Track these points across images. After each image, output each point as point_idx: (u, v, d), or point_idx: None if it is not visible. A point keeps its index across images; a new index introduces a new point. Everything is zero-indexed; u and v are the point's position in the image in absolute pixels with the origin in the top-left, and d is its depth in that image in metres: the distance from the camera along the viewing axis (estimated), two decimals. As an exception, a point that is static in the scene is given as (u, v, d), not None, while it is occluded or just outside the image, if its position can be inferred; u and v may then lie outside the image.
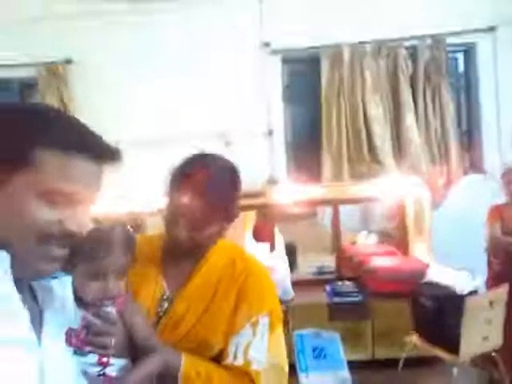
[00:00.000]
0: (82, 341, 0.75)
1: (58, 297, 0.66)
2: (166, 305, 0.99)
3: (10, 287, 0.55)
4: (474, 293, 2.44)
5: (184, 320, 0.97)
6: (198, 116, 3.16)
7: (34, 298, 0.63)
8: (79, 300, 0.77)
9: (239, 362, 0.95)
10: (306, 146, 3.42)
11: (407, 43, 3.20)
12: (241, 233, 3.02)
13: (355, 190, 3.08)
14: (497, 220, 2.72)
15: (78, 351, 0.74)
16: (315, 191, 3.01)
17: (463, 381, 2.52)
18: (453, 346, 2.28)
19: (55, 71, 3.15)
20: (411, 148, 3.20)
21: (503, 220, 2.71)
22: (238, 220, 3.05)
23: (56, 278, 0.66)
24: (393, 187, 3.04)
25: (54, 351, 0.61)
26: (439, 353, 2.38)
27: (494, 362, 2.42)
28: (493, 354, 2.38)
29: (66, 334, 0.70)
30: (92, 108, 3.15)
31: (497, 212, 2.76)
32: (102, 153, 0.61)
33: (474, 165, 3.38)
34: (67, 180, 0.56)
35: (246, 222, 3.10)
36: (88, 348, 0.76)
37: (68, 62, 3.18)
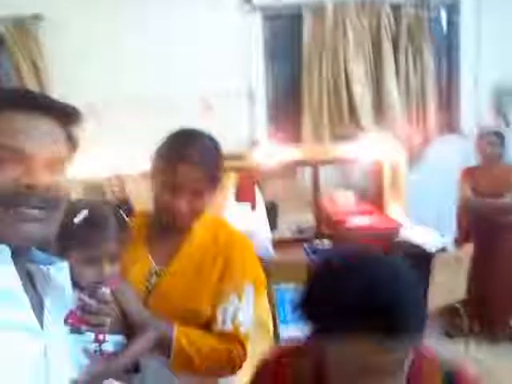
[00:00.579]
0: (78, 320, 0.80)
1: (56, 282, 0.68)
2: (153, 280, 1.05)
3: (11, 274, 0.59)
4: (442, 250, 2.60)
5: (172, 294, 1.03)
6: (177, 78, 3.06)
7: (33, 285, 0.66)
8: (75, 282, 0.81)
9: (228, 327, 1.03)
10: (286, 107, 3.39)
11: (391, 1, 3.12)
12: (223, 194, 3.07)
13: (335, 151, 3.12)
14: (468, 181, 2.84)
15: (76, 330, 0.79)
16: (295, 152, 3.04)
17: (429, 328, 2.75)
18: (421, 299, 2.46)
19: (22, 27, 2.96)
20: (390, 108, 3.23)
21: (475, 181, 2.83)
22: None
23: (53, 264, 0.69)
24: (371, 148, 3.11)
25: (55, 336, 0.65)
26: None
27: (457, 312, 2.64)
28: (456, 305, 2.60)
29: (66, 315, 0.74)
30: (64, 67, 3.03)
31: (468, 173, 2.87)
32: (48, 108, 0.62)
33: (451, 125, 3.46)
34: (7, 135, 0.58)
35: (228, 183, 3.15)
36: (84, 327, 0.81)
37: (36, 17, 2.98)
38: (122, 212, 0.92)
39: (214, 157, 1.04)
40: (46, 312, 0.64)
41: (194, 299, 1.04)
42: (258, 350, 1.10)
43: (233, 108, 3.14)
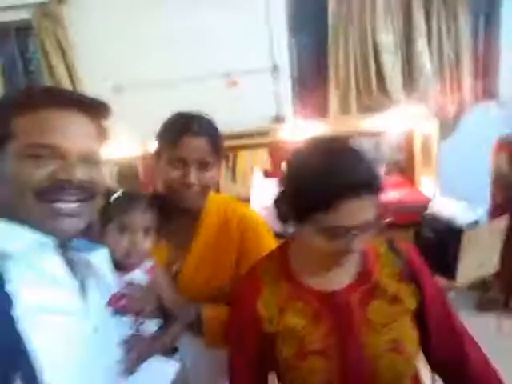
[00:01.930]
0: (120, 305, 0.86)
1: (96, 267, 0.73)
2: (174, 267, 1.09)
3: (58, 264, 0.64)
4: (474, 224, 2.53)
5: (195, 277, 1.08)
6: (202, 56, 3.05)
7: (75, 271, 0.70)
8: (117, 267, 0.88)
9: None
10: (312, 80, 3.31)
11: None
12: (250, 170, 3.11)
13: (363, 123, 3.05)
14: (504, 152, 2.71)
15: (117, 313, 0.85)
16: (322, 126, 3.00)
17: (460, 302, 2.71)
18: (451, 273, 2.43)
19: (48, 12, 3.03)
20: (422, 76, 3.08)
21: (511, 152, 2.69)
22: (246, 158, 3.14)
23: (93, 250, 0.74)
24: (401, 119, 3.01)
25: (101, 317, 0.71)
26: (438, 279, 2.55)
27: (489, 286, 2.58)
28: (488, 279, 2.54)
29: (109, 298, 0.81)
30: (90, 50, 3.09)
31: (505, 144, 2.73)
32: (80, 104, 0.65)
33: (488, 92, 3.27)
34: (42, 133, 0.61)
35: (255, 159, 3.17)
36: (126, 311, 0.88)
37: (61, 1, 3.03)
38: (151, 198, 0.99)
39: (215, 130, 1.06)
40: (89, 296, 0.69)
41: (215, 280, 1.08)
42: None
43: (258, 84, 3.11)
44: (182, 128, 1.00)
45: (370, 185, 0.75)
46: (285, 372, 0.86)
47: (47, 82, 3.15)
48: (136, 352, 0.84)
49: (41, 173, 0.61)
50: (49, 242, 0.63)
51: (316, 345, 0.82)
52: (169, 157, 1.01)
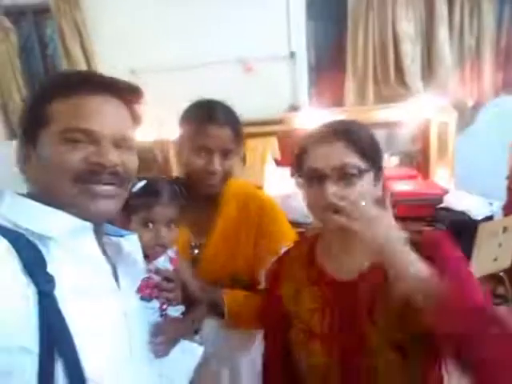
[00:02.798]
0: (149, 293, 0.90)
1: (127, 252, 0.75)
2: (195, 252, 1.12)
3: (95, 246, 0.67)
4: (489, 218, 2.51)
5: (215, 263, 1.11)
6: (219, 42, 3.04)
7: (107, 255, 0.72)
8: (144, 256, 0.89)
9: None
10: (329, 68, 3.27)
11: None
12: (263, 158, 3.10)
13: (379, 113, 3.02)
14: (523, 145, 2.67)
15: (144, 298, 0.89)
16: (338, 116, 2.97)
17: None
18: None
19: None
20: (441, 67, 3.03)
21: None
22: (260, 145, 3.13)
23: (124, 235, 0.76)
24: (419, 110, 2.97)
25: (131, 299, 0.74)
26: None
27: (501, 281, 2.57)
28: (501, 273, 2.53)
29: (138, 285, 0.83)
30: (107, 34, 3.09)
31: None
32: (114, 89, 0.66)
33: (509, 85, 3.20)
34: (78, 118, 0.63)
35: (268, 147, 3.16)
36: (153, 297, 0.91)
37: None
38: (175, 184, 1.00)
39: (237, 118, 1.08)
40: (120, 278, 0.72)
41: (235, 265, 1.11)
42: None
43: (274, 71, 3.09)
44: (207, 117, 1.02)
45: None
46: (293, 353, 0.90)
47: (64, 65, 3.17)
48: (164, 336, 0.87)
49: (77, 157, 0.62)
50: (87, 225, 0.64)
51: (318, 329, 0.85)
52: (193, 145, 1.03)
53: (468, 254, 2.36)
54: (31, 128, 0.64)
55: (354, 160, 0.79)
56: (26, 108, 0.66)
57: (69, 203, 0.63)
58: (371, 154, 0.81)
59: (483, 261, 2.40)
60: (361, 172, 0.79)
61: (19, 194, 0.65)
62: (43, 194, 0.64)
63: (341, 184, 0.78)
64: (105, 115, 0.65)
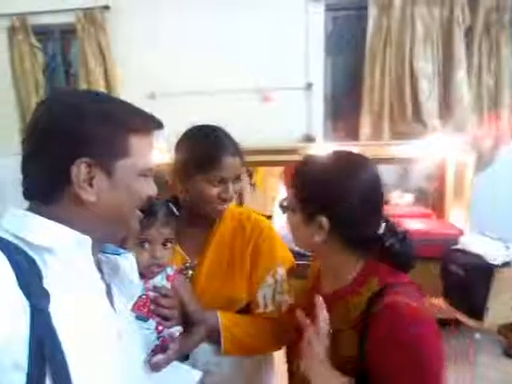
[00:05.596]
0: (146, 312, 0.89)
1: (124, 271, 0.75)
2: (190, 273, 1.11)
3: (91, 262, 0.67)
4: (506, 264, 2.40)
5: (209, 285, 1.09)
6: (236, 70, 3.08)
7: (103, 274, 0.72)
8: (141, 275, 0.89)
9: (270, 308, 1.11)
10: (345, 102, 3.29)
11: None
12: (275, 187, 3.09)
13: (394, 149, 2.98)
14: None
15: (140, 318, 0.88)
16: (352, 149, 2.94)
17: (486, 346, 2.56)
18: (479, 314, 2.30)
19: (92, 17, 3.14)
20: (459, 107, 3.00)
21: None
22: (272, 174, 3.09)
23: (120, 254, 0.76)
24: (435, 148, 2.92)
25: (127, 320, 0.73)
26: (463, 318, 2.41)
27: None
28: (518, 324, 2.39)
29: (134, 303, 0.83)
30: (129, 56, 3.16)
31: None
32: (156, 125, 0.72)
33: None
34: (151, 157, 0.70)
35: (281, 176, 3.15)
36: (149, 317, 0.90)
37: (105, 7, 3.15)
38: (170, 205, 1.03)
39: (236, 142, 1.11)
40: (115, 298, 0.71)
41: (231, 288, 1.10)
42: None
43: (290, 102, 3.11)
44: (219, 149, 1.04)
45: None
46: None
47: (83, 85, 3.24)
48: (161, 356, 0.86)
49: (149, 190, 0.71)
50: (86, 240, 0.64)
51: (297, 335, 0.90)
52: (208, 177, 1.04)
53: (483, 300, 2.24)
54: (108, 156, 0.65)
55: (290, 195, 0.91)
56: (94, 133, 0.64)
57: (127, 226, 0.71)
58: (308, 196, 0.87)
59: (499, 309, 2.27)
60: (291, 207, 0.90)
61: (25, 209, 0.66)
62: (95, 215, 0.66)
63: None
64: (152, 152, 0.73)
